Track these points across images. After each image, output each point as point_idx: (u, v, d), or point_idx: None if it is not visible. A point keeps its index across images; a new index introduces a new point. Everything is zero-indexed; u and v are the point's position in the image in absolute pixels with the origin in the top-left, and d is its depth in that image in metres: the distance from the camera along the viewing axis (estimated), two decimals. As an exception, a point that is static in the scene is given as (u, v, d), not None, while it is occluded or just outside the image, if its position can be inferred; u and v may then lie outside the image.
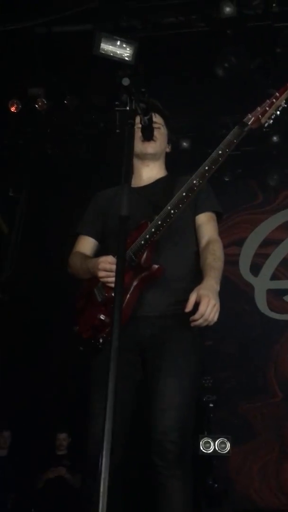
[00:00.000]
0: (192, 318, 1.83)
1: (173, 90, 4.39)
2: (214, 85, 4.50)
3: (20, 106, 4.84)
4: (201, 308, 1.81)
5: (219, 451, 4.04)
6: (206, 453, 4.05)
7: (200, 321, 1.82)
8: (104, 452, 1.07)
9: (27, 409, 4.55)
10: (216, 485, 4.01)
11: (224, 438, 4.06)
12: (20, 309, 4.81)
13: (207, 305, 1.81)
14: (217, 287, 1.91)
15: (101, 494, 1.04)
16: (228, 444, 4.04)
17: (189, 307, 1.83)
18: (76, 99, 4.78)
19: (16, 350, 4.75)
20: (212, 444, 4.06)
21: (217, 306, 1.84)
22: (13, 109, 4.85)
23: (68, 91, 4.72)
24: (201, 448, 4.04)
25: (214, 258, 2.00)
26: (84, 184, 4.49)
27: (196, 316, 1.82)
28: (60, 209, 4.92)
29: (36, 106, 4.81)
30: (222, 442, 4.06)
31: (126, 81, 1.51)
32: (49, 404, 4.61)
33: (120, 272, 1.27)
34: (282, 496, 4.25)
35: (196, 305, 1.83)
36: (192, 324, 1.83)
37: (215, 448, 4.05)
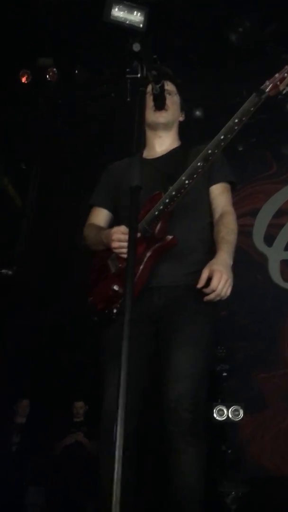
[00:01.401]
0: (204, 291, 1.83)
1: (185, 57, 4.31)
2: (227, 52, 4.39)
3: (31, 77, 4.79)
4: (213, 283, 1.81)
5: (232, 418, 4.11)
6: (220, 420, 4.12)
7: (212, 296, 1.83)
8: (118, 429, 1.10)
9: (44, 378, 4.64)
10: (229, 451, 4.09)
11: (237, 405, 4.12)
12: (35, 282, 4.86)
13: (219, 280, 1.81)
14: (230, 261, 1.91)
15: (116, 462, 1.06)
16: (242, 412, 4.10)
17: (201, 283, 1.84)
18: (86, 70, 4.72)
19: (32, 321, 4.82)
20: (225, 411, 4.12)
21: (230, 281, 1.84)
22: (24, 79, 4.80)
23: (78, 62, 4.65)
24: (215, 416, 4.11)
25: (227, 231, 2.00)
26: (95, 157, 4.47)
27: (208, 290, 1.82)
28: (71, 182, 4.91)
29: (47, 76, 4.76)
30: (236, 410, 4.12)
31: (137, 47, 1.47)
32: (65, 373, 4.70)
33: (132, 244, 1.27)
34: (293, 462, 4.33)
35: (210, 279, 1.83)
36: (205, 298, 1.84)
37: (228, 415, 4.11)
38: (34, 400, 4.66)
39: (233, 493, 3.87)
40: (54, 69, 4.77)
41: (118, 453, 1.05)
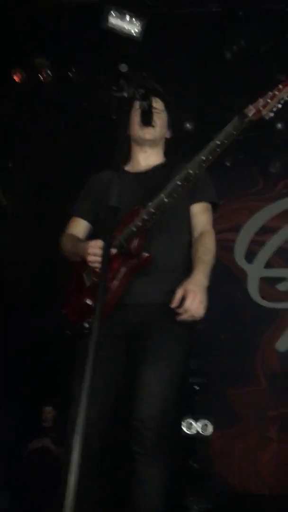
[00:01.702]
0: (177, 311, 1.83)
1: (179, 69, 4.32)
2: (222, 67, 4.41)
3: (25, 76, 4.76)
4: (187, 303, 1.81)
5: (201, 433, 4.12)
6: (189, 433, 4.13)
7: (184, 316, 1.83)
8: (74, 448, 1.09)
9: (14, 381, 4.59)
10: (196, 466, 4.10)
11: (207, 420, 4.13)
12: (11, 286, 4.81)
13: (192, 301, 1.81)
14: (205, 282, 1.91)
15: (69, 491, 1.06)
16: (211, 427, 4.12)
17: (175, 303, 1.83)
18: (81, 73, 4.70)
19: (3, 321, 4.77)
20: (194, 425, 4.13)
21: (204, 302, 1.84)
22: (16, 79, 4.77)
23: (74, 65, 4.63)
24: (184, 429, 4.12)
25: (204, 251, 2.00)
26: (87, 163, 4.44)
27: (181, 311, 1.82)
28: (61, 186, 4.87)
29: (41, 77, 4.73)
30: (205, 424, 4.14)
31: (124, 68, 1.46)
32: (35, 377, 4.65)
33: (105, 262, 1.26)
34: (258, 481, 4.34)
35: (184, 299, 1.83)
36: (177, 318, 1.84)
37: (197, 429, 4.12)
38: (1, 403, 4.61)
39: (196, 508, 3.88)
40: (48, 70, 4.74)
41: (72, 480, 1.04)
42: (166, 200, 1.92)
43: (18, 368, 4.62)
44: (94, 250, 1.90)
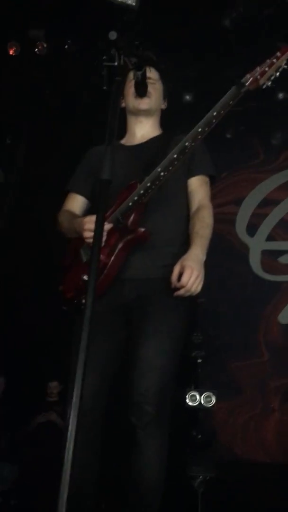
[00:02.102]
0: (174, 286, 1.83)
1: (177, 40, 4.22)
2: (221, 36, 4.31)
3: (19, 49, 4.67)
4: (184, 279, 1.80)
5: (204, 404, 4.17)
6: (192, 406, 4.18)
7: (181, 291, 1.82)
8: (70, 426, 1.10)
9: (20, 356, 4.64)
10: (199, 436, 4.16)
11: (210, 392, 4.17)
12: (13, 259, 4.81)
13: (189, 276, 1.80)
14: (202, 257, 1.89)
15: (65, 462, 1.07)
16: (214, 398, 4.16)
17: (173, 279, 1.83)
18: (77, 44, 4.60)
19: (9, 298, 4.79)
20: (198, 397, 4.17)
21: (201, 277, 1.83)
22: (11, 51, 4.68)
23: (70, 35, 4.53)
24: (187, 401, 4.16)
25: (202, 226, 1.98)
26: (86, 136, 4.38)
27: (178, 286, 1.82)
28: (59, 160, 4.82)
29: (36, 50, 4.64)
30: (208, 396, 4.17)
31: (113, 35, 1.42)
32: (41, 352, 4.70)
33: (98, 238, 1.24)
34: (261, 450, 4.41)
35: (181, 274, 1.82)
36: (175, 294, 1.84)
37: (201, 401, 4.17)
38: (9, 378, 4.67)
39: (200, 477, 3.95)
40: (44, 44, 4.65)
41: (67, 457, 1.06)
42: (162, 173, 1.89)
43: (23, 343, 4.66)
44: (90, 226, 1.89)
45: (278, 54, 1.89)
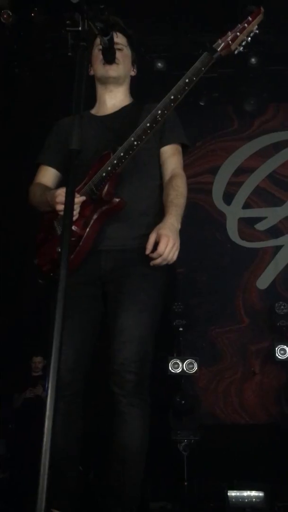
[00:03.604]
0: (151, 255, 1.83)
1: (147, 6, 4.12)
2: (190, 1, 4.22)
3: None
4: (160, 248, 1.81)
5: (187, 371, 4.26)
6: (175, 373, 4.26)
7: (158, 260, 1.83)
8: (49, 394, 1.11)
9: (5, 332, 4.64)
10: (183, 402, 4.25)
11: (192, 359, 4.26)
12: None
13: (166, 244, 1.81)
14: (177, 225, 1.89)
15: (44, 442, 1.08)
16: (196, 365, 4.25)
17: (148, 247, 1.83)
18: (44, 13, 4.46)
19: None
20: (180, 364, 4.26)
21: (177, 245, 1.84)
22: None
23: (36, 4, 4.38)
24: (170, 368, 4.24)
25: (176, 194, 1.97)
26: (57, 107, 4.28)
27: (154, 255, 1.82)
28: (28, 133, 4.71)
29: (1, 19, 4.49)
30: (190, 363, 4.26)
31: None
32: (25, 328, 4.70)
33: (68, 210, 1.23)
34: (243, 412, 4.54)
35: (157, 243, 1.82)
36: (151, 263, 1.84)
37: (183, 368, 4.25)
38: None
39: (185, 440, 4.06)
40: (9, 11, 4.49)
41: (46, 433, 1.08)
42: (135, 142, 1.87)
43: (6, 320, 4.65)
44: (62, 198, 1.86)
45: (249, 18, 1.86)
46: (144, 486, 2.08)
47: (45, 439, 1.09)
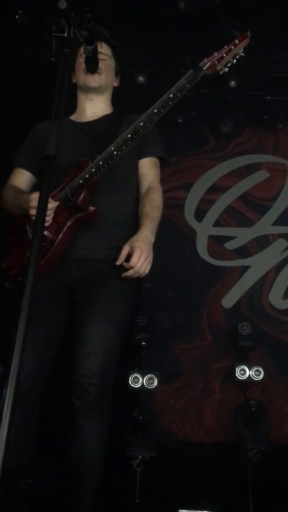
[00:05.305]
0: (124, 267, 1.82)
1: (132, 20, 4.15)
2: (176, 20, 4.27)
3: None
4: (133, 260, 1.80)
5: (146, 386, 4.22)
6: (135, 387, 4.22)
7: (130, 272, 1.82)
8: (6, 404, 1.07)
9: None
10: (140, 418, 4.21)
11: (152, 374, 4.23)
12: None
13: (139, 257, 1.80)
14: (152, 238, 1.89)
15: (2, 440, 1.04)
16: (156, 380, 4.22)
17: (121, 259, 1.82)
18: (27, 16, 4.42)
19: None
20: (140, 379, 4.22)
21: (150, 258, 1.84)
22: None
23: (20, 7, 4.34)
24: (130, 383, 4.20)
25: (152, 207, 1.97)
26: (36, 111, 4.23)
27: (127, 267, 1.81)
28: (7, 136, 4.64)
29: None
30: (150, 378, 4.23)
31: (62, 4, 1.36)
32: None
33: (40, 215, 1.21)
34: (200, 430, 4.53)
35: (130, 255, 1.81)
36: (123, 275, 1.83)
37: (143, 383, 4.22)
38: None
39: (140, 457, 4.01)
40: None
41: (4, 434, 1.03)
42: (115, 152, 1.87)
43: None
44: (36, 203, 1.83)
45: (236, 41, 1.91)
46: (95, 501, 2.04)
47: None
